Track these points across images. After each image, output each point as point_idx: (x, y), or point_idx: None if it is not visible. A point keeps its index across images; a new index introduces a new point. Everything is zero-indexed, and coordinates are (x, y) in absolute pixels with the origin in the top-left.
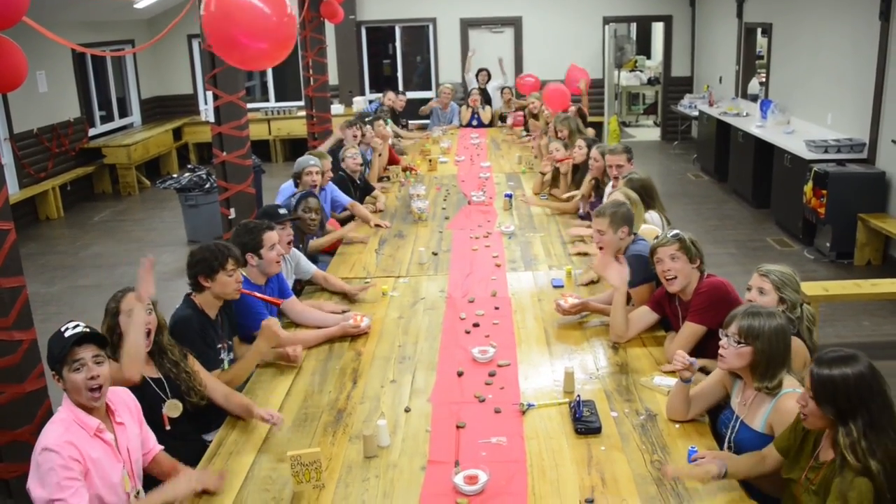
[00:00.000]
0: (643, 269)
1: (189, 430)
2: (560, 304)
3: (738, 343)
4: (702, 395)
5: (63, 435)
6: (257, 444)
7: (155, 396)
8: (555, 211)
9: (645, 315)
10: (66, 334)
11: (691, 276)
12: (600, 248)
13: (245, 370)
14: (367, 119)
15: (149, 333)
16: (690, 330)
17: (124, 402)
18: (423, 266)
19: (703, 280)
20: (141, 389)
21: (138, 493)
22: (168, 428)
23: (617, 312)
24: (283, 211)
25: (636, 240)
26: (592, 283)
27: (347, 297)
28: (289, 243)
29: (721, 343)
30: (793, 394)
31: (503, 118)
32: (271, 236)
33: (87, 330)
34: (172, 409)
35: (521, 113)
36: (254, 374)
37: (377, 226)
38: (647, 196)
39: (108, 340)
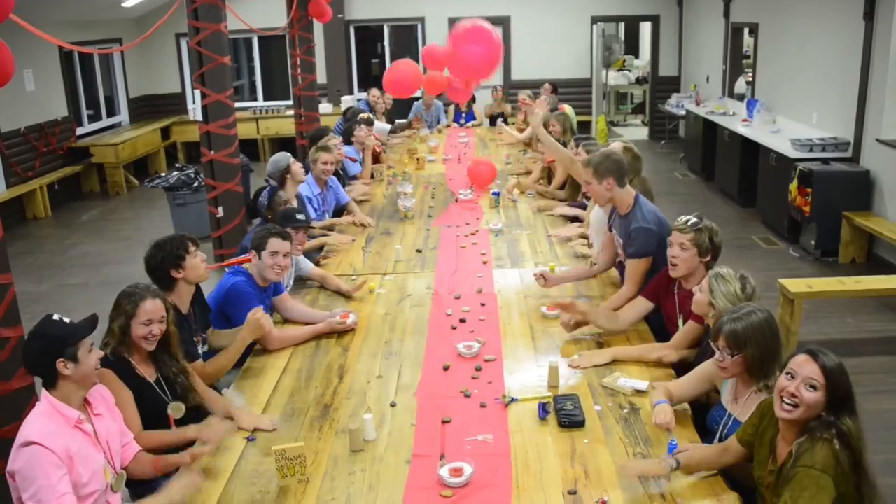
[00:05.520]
0: (647, 243)
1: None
2: (546, 315)
3: (732, 355)
4: (686, 389)
5: (46, 426)
6: (243, 440)
7: (157, 398)
8: (544, 205)
9: (639, 304)
10: (67, 319)
11: (696, 269)
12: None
13: (228, 362)
14: (359, 118)
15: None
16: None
17: (100, 394)
18: (407, 263)
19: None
20: (143, 391)
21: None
22: (173, 429)
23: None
24: (301, 217)
25: (639, 203)
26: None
27: (343, 295)
28: (298, 247)
29: (716, 358)
30: None
31: (493, 120)
32: (275, 243)
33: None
34: (176, 410)
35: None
36: (241, 369)
37: (361, 225)
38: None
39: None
